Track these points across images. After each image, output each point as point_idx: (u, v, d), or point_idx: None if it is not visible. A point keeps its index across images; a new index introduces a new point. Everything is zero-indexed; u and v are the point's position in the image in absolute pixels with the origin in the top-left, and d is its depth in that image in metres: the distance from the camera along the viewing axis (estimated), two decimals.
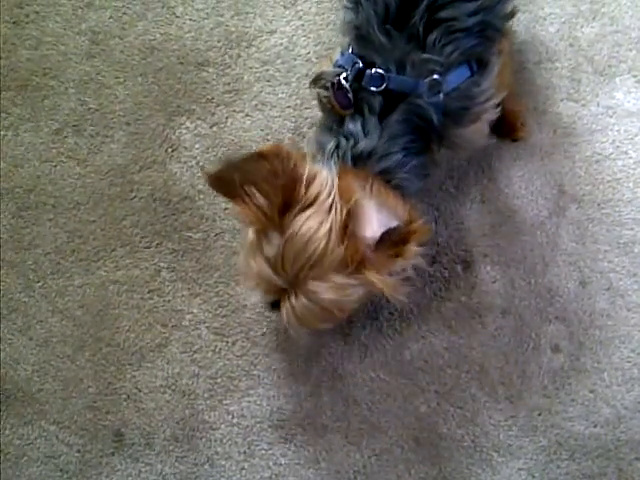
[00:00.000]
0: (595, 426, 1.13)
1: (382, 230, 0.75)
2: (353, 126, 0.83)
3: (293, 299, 0.79)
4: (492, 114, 0.95)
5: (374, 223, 0.75)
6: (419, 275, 1.15)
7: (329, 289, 0.78)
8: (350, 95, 0.84)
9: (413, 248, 0.77)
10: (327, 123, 0.91)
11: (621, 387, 1.13)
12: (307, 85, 1.20)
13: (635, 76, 1.19)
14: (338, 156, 0.82)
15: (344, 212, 0.77)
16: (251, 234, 0.83)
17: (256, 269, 0.80)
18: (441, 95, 0.83)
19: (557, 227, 1.16)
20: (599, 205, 1.16)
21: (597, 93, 1.19)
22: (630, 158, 1.17)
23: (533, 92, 1.19)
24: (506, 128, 1.17)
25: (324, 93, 0.90)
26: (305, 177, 0.78)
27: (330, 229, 0.77)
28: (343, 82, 0.85)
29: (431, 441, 1.15)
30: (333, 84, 0.86)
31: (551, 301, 1.15)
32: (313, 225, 0.77)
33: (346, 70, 0.85)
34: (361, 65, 0.85)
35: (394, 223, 0.75)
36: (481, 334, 1.16)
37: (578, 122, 1.18)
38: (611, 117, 1.18)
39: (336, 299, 0.79)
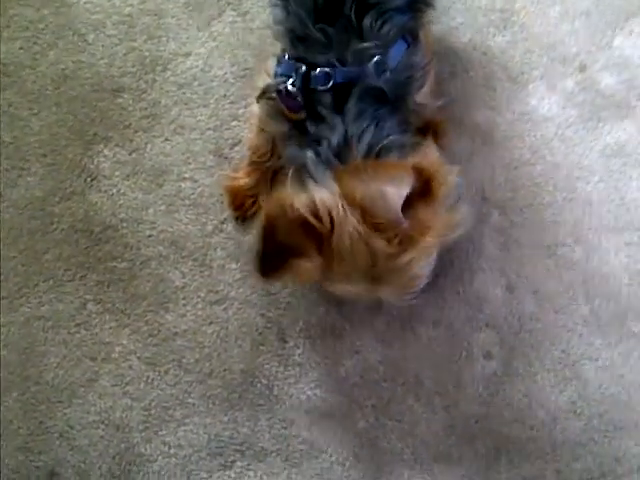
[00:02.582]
0: (532, 429, 1.23)
1: (400, 202, 0.77)
2: (317, 129, 0.89)
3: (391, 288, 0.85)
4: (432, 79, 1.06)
5: (389, 202, 0.78)
6: None
7: (405, 273, 0.83)
8: (300, 98, 0.89)
9: (438, 187, 0.80)
10: (288, 133, 0.96)
11: (554, 389, 1.23)
12: (226, 106, 1.28)
13: (548, 82, 1.30)
14: (324, 164, 0.86)
15: (358, 213, 0.79)
16: None
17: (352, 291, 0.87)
18: (388, 73, 0.89)
19: (481, 234, 1.26)
20: (521, 210, 1.27)
21: (512, 100, 1.30)
22: (548, 162, 1.28)
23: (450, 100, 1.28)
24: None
25: (273, 103, 0.98)
26: (308, 213, 0.81)
27: (359, 235, 0.79)
28: (291, 88, 0.90)
29: (372, 457, 1.23)
30: (280, 91, 0.91)
31: (480, 308, 1.25)
32: (347, 242, 0.80)
33: (290, 77, 0.90)
34: (304, 68, 0.89)
35: (405, 190, 0.78)
36: (414, 346, 1.25)
37: (495, 130, 1.29)
38: (527, 123, 1.29)
39: (417, 271, 0.85)
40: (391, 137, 0.88)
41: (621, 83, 1.32)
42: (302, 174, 0.89)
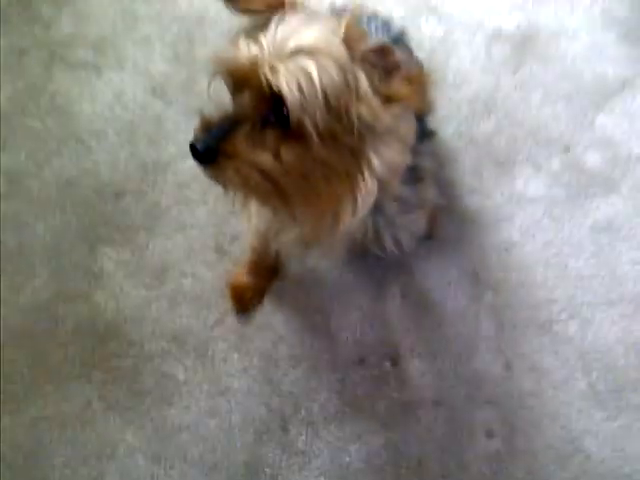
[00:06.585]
0: None
1: None
2: None
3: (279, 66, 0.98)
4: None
5: None
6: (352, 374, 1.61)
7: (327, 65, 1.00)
8: None
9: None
10: None
11: (556, 465, 1.56)
12: (224, 203, 1.72)
13: (533, 164, 1.73)
14: None
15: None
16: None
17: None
18: None
19: (476, 315, 1.65)
20: (514, 289, 1.65)
21: (499, 184, 1.72)
22: (538, 242, 1.68)
23: (440, 189, 1.71)
24: None
25: None
26: None
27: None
28: None
29: None
30: None
31: (479, 387, 1.60)
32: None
33: None
34: None
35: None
36: (416, 428, 1.60)
37: (484, 213, 1.70)
38: (515, 205, 1.70)
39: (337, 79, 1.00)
40: None
41: (605, 161, 1.74)
42: None
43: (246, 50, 1.02)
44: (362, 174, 1.08)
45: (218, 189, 1.68)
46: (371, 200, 1.10)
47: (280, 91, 0.98)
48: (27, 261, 1.72)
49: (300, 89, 0.98)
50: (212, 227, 1.68)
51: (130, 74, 1.84)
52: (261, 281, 1.65)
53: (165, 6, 1.91)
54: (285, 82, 0.98)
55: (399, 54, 1.03)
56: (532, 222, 1.66)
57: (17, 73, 1.85)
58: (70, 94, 1.80)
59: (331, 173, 1.06)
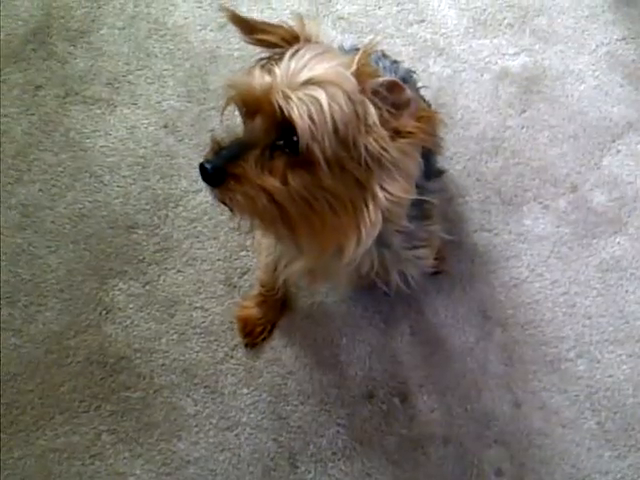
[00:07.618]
0: None
1: None
2: None
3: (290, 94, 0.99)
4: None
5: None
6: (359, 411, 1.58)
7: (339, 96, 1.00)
8: None
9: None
10: None
11: None
12: (234, 238, 1.70)
13: (541, 203, 1.71)
14: None
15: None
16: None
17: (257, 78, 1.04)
18: None
19: (485, 351, 1.62)
20: (522, 327, 1.63)
21: (507, 222, 1.70)
22: (546, 280, 1.66)
23: (448, 226, 1.70)
24: None
25: None
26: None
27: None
28: None
29: None
30: None
31: (488, 425, 1.58)
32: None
33: None
34: None
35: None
36: (425, 465, 1.57)
37: (493, 250, 1.68)
38: (523, 243, 1.69)
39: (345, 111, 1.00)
40: None
41: (612, 201, 1.72)
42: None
43: (260, 78, 1.04)
44: (367, 206, 1.07)
45: (229, 223, 1.69)
46: (375, 232, 1.08)
47: (291, 117, 0.99)
48: (39, 292, 1.71)
49: (310, 117, 0.99)
50: (222, 261, 1.67)
51: (143, 110, 1.83)
52: (270, 314, 1.64)
53: (178, 44, 1.89)
54: (296, 109, 0.98)
55: (409, 91, 1.03)
56: (540, 260, 1.64)
57: (32, 108, 1.85)
58: (84, 129, 1.81)
59: (336, 202, 1.06)
